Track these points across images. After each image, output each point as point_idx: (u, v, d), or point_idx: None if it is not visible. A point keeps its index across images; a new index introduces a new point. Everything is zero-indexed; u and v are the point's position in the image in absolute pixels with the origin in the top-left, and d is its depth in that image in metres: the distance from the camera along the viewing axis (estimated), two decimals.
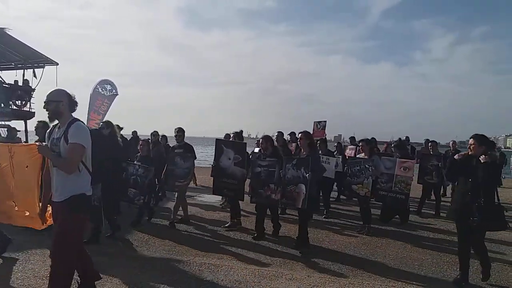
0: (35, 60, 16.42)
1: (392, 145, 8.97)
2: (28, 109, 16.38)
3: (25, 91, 16.31)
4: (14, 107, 15.82)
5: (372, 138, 10.32)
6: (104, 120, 11.62)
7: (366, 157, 7.12)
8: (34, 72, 16.38)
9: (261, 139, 6.90)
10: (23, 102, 16.27)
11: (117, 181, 6.43)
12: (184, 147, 7.35)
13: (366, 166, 6.88)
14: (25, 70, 16.77)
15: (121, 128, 8.70)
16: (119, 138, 6.87)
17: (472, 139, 4.70)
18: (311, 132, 11.81)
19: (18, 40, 15.07)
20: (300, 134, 6.16)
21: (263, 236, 6.46)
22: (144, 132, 8.68)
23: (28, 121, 16.53)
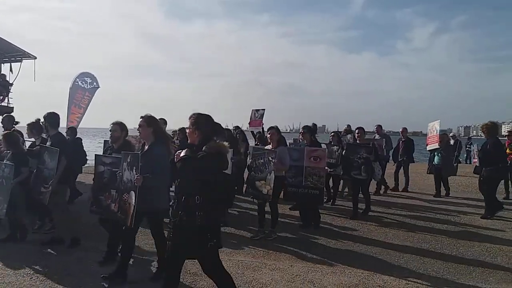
0: (12, 54, 16.05)
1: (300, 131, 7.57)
2: (6, 104, 16.05)
3: (2, 86, 15.94)
4: None
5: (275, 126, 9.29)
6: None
7: (273, 148, 6.08)
8: (11, 66, 16.04)
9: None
10: (1, 97, 15.93)
11: None
12: (53, 139, 5.45)
13: (270, 158, 5.78)
14: (2, 65, 16.40)
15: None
16: None
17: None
18: (249, 121, 10.81)
19: None
20: (140, 119, 4.33)
21: (112, 258, 4.76)
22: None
23: None
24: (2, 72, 16.27)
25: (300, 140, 7.91)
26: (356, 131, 8.11)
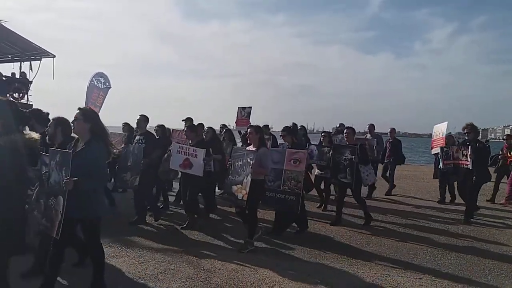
0: (32, 52, 16.44)
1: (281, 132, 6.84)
2: (25, 102, 16.44)
3: (22, 83, 16.36)
4: (12, 100, 15.88)
5: (265, 125, 8.55)
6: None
7: (254, 148, 5.49)
8: (30, 64, 16.41)
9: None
10: (21, 95, 16.34)
11: None
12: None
13: (249, 160, 5.25)
14: (22, 63, 16.79)
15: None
16: None
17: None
18: (235, 120, 10.17)
19: (15, 33, 15.08)
20: (77, 111, 3.75)
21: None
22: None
23: None
24: (22, 70, 16.66)
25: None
26: (345, 131, 7.36)
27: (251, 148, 5.56)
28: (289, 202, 5.82)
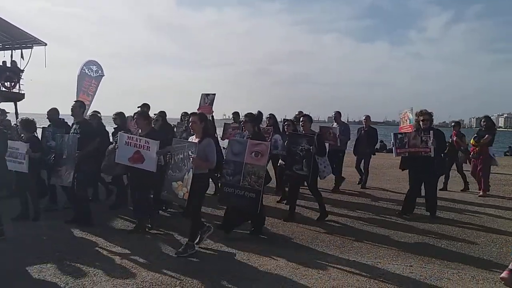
0: (23, 40, 16.22)
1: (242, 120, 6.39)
2: (17, 91, 16.26)
3: (13, 72, 16.15)
4: (3, 89, 15.71)
5: (235, 112, 8.64)
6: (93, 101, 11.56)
7: (196, 140, 4.89)
8: (22, 53, 16.20)
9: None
10: (12, 84, 16.14)
11: None
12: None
13: (190, 153, 4.69)
14: (13, 51, 16.56)
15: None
16: None
17: None
18: (197, 108, 9.44)
19: (5, 20, 14.85)
20: None
21: None
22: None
23: (18, 102, 16.45)
24: (13, 59, 16.46)
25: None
26: (301, 119, 6.69)
27: (193, 139, 5.02)
28: (248, 200, 5.20)
